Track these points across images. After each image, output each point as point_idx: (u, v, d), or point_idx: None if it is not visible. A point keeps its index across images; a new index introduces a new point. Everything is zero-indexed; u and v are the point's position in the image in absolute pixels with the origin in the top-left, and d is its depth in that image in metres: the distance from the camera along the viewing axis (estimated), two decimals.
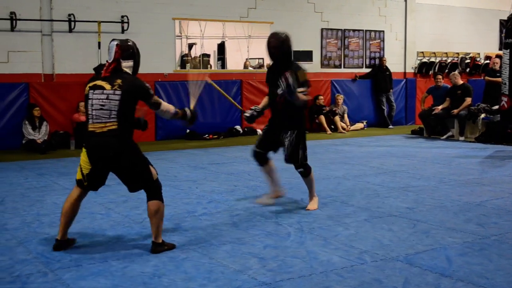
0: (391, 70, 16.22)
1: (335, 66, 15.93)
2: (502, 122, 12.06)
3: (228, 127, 13.78)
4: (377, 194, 7.11)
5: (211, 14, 13.76)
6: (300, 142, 6.19)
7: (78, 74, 12.04)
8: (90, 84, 4.84)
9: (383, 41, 16.68)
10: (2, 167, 9.27)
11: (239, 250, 4.87)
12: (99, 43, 12.19)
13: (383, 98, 16.04)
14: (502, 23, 18.84)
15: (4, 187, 7.67)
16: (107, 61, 4.87)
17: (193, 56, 14.05)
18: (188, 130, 13.14)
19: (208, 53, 14.17)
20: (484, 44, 18.49)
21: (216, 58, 14.34)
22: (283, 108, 6.11)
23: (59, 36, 12.09)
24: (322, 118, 14.59)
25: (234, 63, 14.33)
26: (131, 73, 4.89)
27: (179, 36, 13.59)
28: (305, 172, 6.28)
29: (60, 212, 5.02)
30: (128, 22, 12.64)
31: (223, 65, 14.31)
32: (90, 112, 4.76)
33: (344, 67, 16.10)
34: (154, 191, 4.86)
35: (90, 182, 4.88)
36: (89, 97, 4.78)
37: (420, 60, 17.26)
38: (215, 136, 13.29)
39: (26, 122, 11.34)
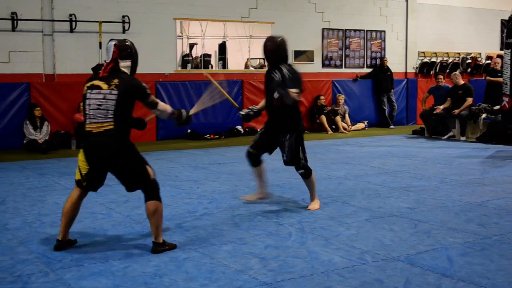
0: (392, 70, 16.22)
1: (336, 66, 15.93)
2: (503, 122, 12.05)
3: (229, 127, 13.78)
4: (378, 194, 7.10)
5: (212, 14, 13.76)
6: (300, 144, 6.22)
7: (79, 74, 12.04)
8: (88, 84, 4.86)
9: (384, 41, 16.68)
10: (3, 167, 9.28)
11: (240, 250, 4.87)
12: (100, 43, 12.20)
13: (384, 98, 16.04)
14: (503, 23, 18.83)
15: (5, 187, 7.67)
16: (105, 61, 4.88)
17: (194, 56, 14.05)
18: (189, 130, 13.14)
19: (209, 53, 14.17)
20: (485, 44, 18.48)
21: (217, 58, 14.34)
22: (280, 111, 6.14)
23: (60, 36, 12.10)
24: (323, 118, 14.59)
25: (235, 63, 14.34)
26: (129, 73, 4.89)
27: (180, 36, 13.60)
28: (306, 173, 6.29)
29: (61, 212, 5.03)
30: (129, 22, 12.64)
31: (224, 65, 14.31)
32: (87, 112, 4.78)
33: (345, 67, 16.09)
34: (151, 191, 4.86)
35: (89, 182, 4.89)
36: (87, 97, 4.80)
37: (421, 60, 17.25)
38: (216, 136, 13.29)
39: (27, 122, 11.35)
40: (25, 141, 11.29)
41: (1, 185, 7.77)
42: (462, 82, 13.36)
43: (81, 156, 4.83)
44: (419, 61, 17.23)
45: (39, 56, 11.93)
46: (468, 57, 17.87)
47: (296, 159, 6.20)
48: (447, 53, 17.66)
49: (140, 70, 13.42)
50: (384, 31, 16.65)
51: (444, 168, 9.01)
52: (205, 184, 7.79)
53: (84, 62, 12.12)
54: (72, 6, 12.11)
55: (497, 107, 12.62)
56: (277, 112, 6.16)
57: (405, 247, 4.91)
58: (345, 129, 14.72)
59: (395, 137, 13.68)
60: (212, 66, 14.14)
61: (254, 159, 6.45)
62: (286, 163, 6.28)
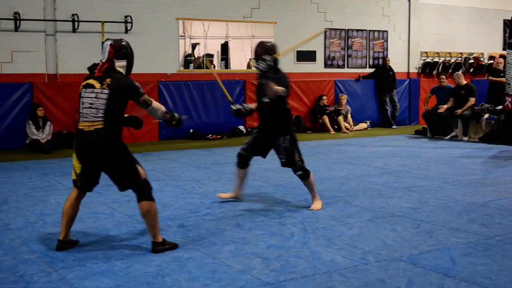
0: (395, 70, 16.20)
1: (339, 66, 15.92)
2: (504, 122, 12.04)
3: (231, 127, 13.78)
4: (380, 194, 7.10)
5: (215, 14, 13.76)
6: (294, 145, 6.28)
7: (82, 74, 11.99)
8: (84, 83, 4.90)
9: (387, 41, 16.66)
10: (6, 167, 9.29)
11: (243, 250, 4.87)
12: (102, 43, 12.17)
13: (386, 98, 16.02)
14: (506, 23, 18.81)
15: (7, 187, 7.68)
16: (101, 60, 4.90)
17: (196, 56, 14.05)
18: (191, 130, 13.15)
19: (211, 53, 14.17)
20: (487, 44, 18.45)
21: (220, 58, 14.33)
22: (271, 114, 6.21)
23: (62, 36, 12.11)
24: (326, 118, 14.59)
25: (238, 63, 14.33)
26: (124, 73, 4.90)
27: (182, 36, 13.59)
28: (304, 174, 6.31)
29: None
30: (131, 22, 12.65)
31: (227, 65, 14.31)
32: (81, 111, 4.82)
33: (347, 67, 16.08)
34: (142, 191, 4.86)
35: (83, 181, 4.91)
36: (81, 96, 4.85)
37: (424, 60, 17.23)
38: (219, 136, 13.29)
39: (30, 122, 11.36)
40: (27, 141, 11.30)
41: (3, 185, 7.78)
42: (464, 82, 13.35)
43: (75, 155, 4.87)
44: (422, 61, 17.21)
45: (42, 56, 11.94)
46: (470, 57, 17.84)
47: (291, 160, 6.26)
48: (450, 53, 17.64)
49: (142, 70, 13.45)
50: (387, 31, 16.64)
51: (447, 168, 9.00)
52: (208, 184, 7.79)
53: (87, 62, 12.09)
54: (75, 6, 12.12)
55: (500, 107, 12.60)
56: (268, 115, 6.25)
57: (408, 247, 4.90)
58: (347, 129, 14.71)
59: (397, 137, 13.67)
60: (214, 66, 14.13)
61: (244, 162, 6.55)
62: (284, 164, 6.33)
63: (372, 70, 16.32)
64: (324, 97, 14.97)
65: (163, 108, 5.11)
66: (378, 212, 6.16)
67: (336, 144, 12.35)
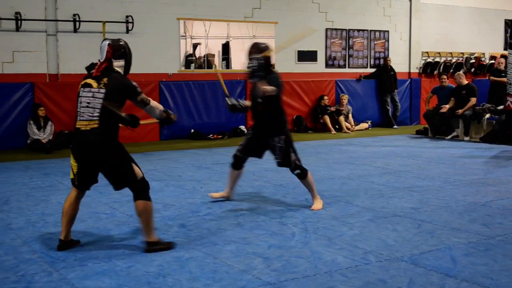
0: (396, 70, 16.19)
1: (340, 66, 15.92)
2: (505, 122, 12.03)
3: (232, 127, 13.78)
4: (381, 194, 7.10)
5: (216, 14, 13.77)
6: (290, 145, 6.28)
7: (83, 74, 11.80)
8: (82, 82, 4.93)
9: (388, 41, 16.66)
10: (7, 167, 9.30)
11: (244, 250, 4.87)
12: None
13: (387, 98, 16.02)
14: (507, 23, 18.82)
15: (9, 186, 7.69)
16: (99, 60, 4.91)
17: (197, 56, 14.05)
18: (192, 130, 13.16)
19: (212, 53, 14.17)
20: (489, 44, 18.45)
21: (221, 58, 14.34)
22: (264, 115, 6.23)
23: (64, 36, 12.12)
24: (327, 118, 14.59)
25: (239, 63, 14.31)
26: (122, 73, 4.91)
27: (183, 36, 13.59)
28: (302, 174, 6.31)
29: None
30: (132, 22, 12.65)
31: (228, 65, 14.31)
32: (78, 110, 4.85)
33: (348, 67, 16.08)
34: (138, 190, 4.85)
35: (80, 180, 4.93)
36: (79, 95, 4.87)
37: (425, 60, 17.23)
38: (220, 136, 13.29)
39: (31, 122, 11.36)
40: (28, 141, 11.31)
41: (5, 185, 7.79)
42: (465, 82, 13.34)
43: (71, 154, 4.90)
44: (423, 61, 17.21)
45: (43, 56, 11.95)
46: (471, 57, 17.84)
47: (287, 160, 6.26)
48: (451, 53, 17.63)
49: (143, 70, 13.46)
50: (388, 31, 16.63)
51: (448, 168, 9.00)
52: (209, 184, 7.79)
53: (88, 62, 12.00)
54: (76, 6, 12.13)
55: (501, 107, 12.60)
56: (262, 116, 6.26)
57: (409, 247, 4.90)
58: (348, 129, 14.71)
59: (398, 137, 13.67)
60: (215, 66, 14.13)
61: (239, 163, 6.56)
62: (280, 164, 6.34)
63: (373, 70, 16.32)
64: (325, 97, 14.97)
65: (161, 107, 5.11)
66: (379, 212, 6.16)
67: (337, 144, 12.34)
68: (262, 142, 6.36)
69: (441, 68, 17.11)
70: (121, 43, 4.97)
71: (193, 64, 13.83)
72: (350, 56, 16.06)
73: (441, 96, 13.74)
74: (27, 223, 5.81)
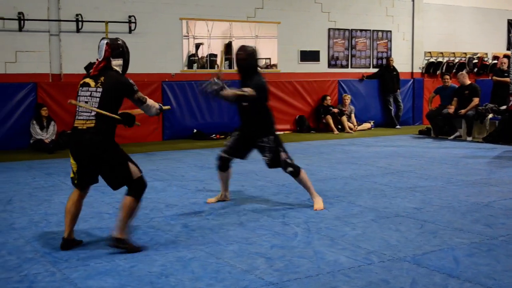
0: (399, 70, 16.18)
1: (342, 66, 15.91)
2: (509, 122, 12.01)
3: (235, 127, 13.76)
4: (384, 194, 7.09)
5: (218, 14, 13.77)
6: (279, 144, 6.30)
7: (85, 74, 12.06)
8: (81, 82, 4.96)
9: (390, 41, 16.65)
10: (10, 167, 9.31)
11: (246, 250, 4.88)
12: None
13: (390, 98, 16.01)
14: (510, 23, 18.80)
15: (12, 186, 7.70)
16: (97, 59, 4.93)
17: (200, 56, 14.06)
18: (195, 130, 13.16)
19: (215, 53, 14.18)
20: (491, 44, 18.42)
21: (224, 58, 14.34)
22: (251, 116, 6.26)
23: (66, 36, 12.13)
24: (329, 118, 14.58)
25: None
26: (120, 72, 4.92)
27: (186, 36, 13.60)
28: (295, 171, 6.29)
29: None
30: (135, 22, 12.66)
31: (230, 65, 14.30)
32: (77, 109, 4.88)
33: (351, 67, 16.07)
34: (133, 188, 4.85)
35: (79, 179, 4.95)
36: (78, 94, 4.91)
37: (428, 60, 17.21)
38: (222, 136, 13.28)
39: (34, 122, 11.38)
40: (31, 141, 11.33)
41: (7, 185, 7.80)
42: (468, 82, 13.33)
43: (70, 153, 4.95)
44: (426, 61, 17.19)
45: (46, 56, 11.97)
46: (474, 57, 17.82)
47: (277, 160, 6.26)
48: (454, 53, 17.61)
49: (146, 70, 13.46)
50: (390, 31, 16.62)
51: (451, 168, 8.99)
52: (211, 184, 7.79)
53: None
54: (79, 6, 12.15)
55: (504, 107, 12.59)
56: (249, 116, 6.29)
57: (411, 248, 4.90)
58: (351, 129, 14.71)
59: (401, 137, 13.66)
60: (218, 66, 14.12)
61: (225, 164, 6.55)
62: (270, 165, 6.35)
63: (375, 70, 16.31)
64: (328, 97, 14.97)
65: (156, 105, 5.12)
66: (381, 212, 6.16)
67: (339, 144, 12.34)
68: (249, 143, 6.39)
69: (444, 68, 17.10)
70: (119, 42, 4.99)
71: (195, 64, 13.83)
72: (352, 56, 16.05)
73: (443, 96, 13.73)
74: (30, 223, 5.82)
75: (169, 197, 7.01)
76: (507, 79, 12.82)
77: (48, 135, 11.37)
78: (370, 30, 16.25)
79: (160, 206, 6.52)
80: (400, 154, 10.56)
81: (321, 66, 15.47)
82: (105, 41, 4.93)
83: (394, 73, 16.04)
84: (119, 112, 4.96)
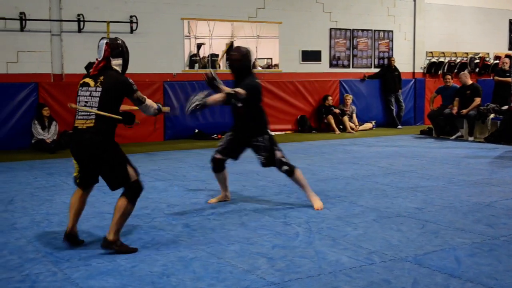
0: (400, 70, 16.17)
1: (344, 66, 15.91)
2: (507, 122, 12.01)
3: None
4: (385, 194, 7.09)
5: (220, 14, 13.77)
6: (274, 143, 6.31)
7: (85, 73, 12.07)
8: (80, 82, 4.97)
9: (392, 41, 16.64)
10: (12, 167, 9.32)
11: (248, 250, 4.88)
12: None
13: (391, 98, 16.00)
14: None
15: (13, 186, 7.70)
16: (96, 59, 4.94)
17: (201, 56, 14.06)
18: (196, 130, 13.16)
19: (216, 53, 14.19)
20: (493, 44, 18.41)
21: (225, 58, 14.35)
22: (245, 116, 6.26)
23: (68, 36, 12.14)
24: (331, 118, 14.58)
25: None
26: (120, 71, 4.93)
27: (187, 36, 13.61)
28: (290, 170, 6.30)
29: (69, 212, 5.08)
30: (137, 22, 12.66)
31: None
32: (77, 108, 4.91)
33: (352, 67, 16.07)
34: (128, 190, 4.84)
35: (81, 178, 5.00)
36: (78, 94, 4.93)
37: (429, 60, 17.20)
38: (224, 136, 13.28)
39: (36, 122, 11.39)
40: (33, 141, 11.33)
41: (9, 185, 7.81)
42: (470, 82, 13.32)
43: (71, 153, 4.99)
44: (427, 61, 17.18)
45: (47, 56, 11.97)
46: (476, 57, 17.80)
47: (272, 159, 6.27)
48: (455, 53, 17.60)
49: (147, 70, 13.45)
50: (392, 31, 16.62)
51: (452, 168, 8.98)
52: (213, 184, 7.78)
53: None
54: (80, 6, 12.15)
55: (506, 107, 12.57)
56: (243, 117, 6.29)
57: (413, 248, 4.90)
58: (352, 129, 14.70)
59: (402, 137, 13.65)
60: (219, 66, 14.14)
61: (219, 165, 6.57)
62: (264, 164, 6.35)
63: (377, 70, 16.30)
64: (330, 97, 14.96)
65: (155, 105, 5.12)
66: (383, 212, 6.15)
67: (341, 144, 12.34)
68: (243, 143, 6.40)
69: (446, 68, 17.08)
70: (118, 41, 5.00)
71: (197, 64, 13.84)
72: (354, 56, 16.04)
73: (445, 96, 13.72)
74: (32, 222, 5.82)
75: (171, 197, 7.01)
76: (509, 79, 12.82)
77: (49, 135, 11.38)
78: (371, 30, 16.24)
79: (162, 206, 6.53)
80: (401, 154, 10.55)
81: (322, 66, 15.46)
82: (104, 41, 4.94)
83: (396, 73, 16.04)
84: (120, 111, 4.97)
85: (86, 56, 12.14)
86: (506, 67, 13.66)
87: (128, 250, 4.78)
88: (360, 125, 15.13)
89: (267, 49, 14.81)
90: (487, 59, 18.04)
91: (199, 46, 14.01)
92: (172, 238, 5.22)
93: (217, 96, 5.97)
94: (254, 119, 6.29)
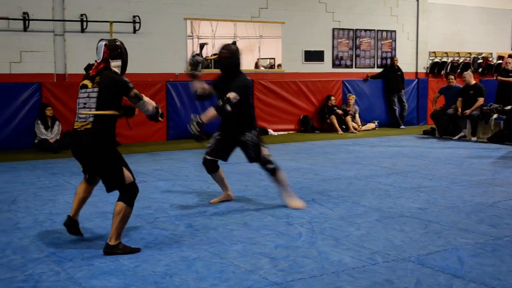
0: (403, 70, 16.16)
1: (347, 66, 15.90)
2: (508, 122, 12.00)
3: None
4: (388, 194, 7.08)
5: (223, 14, 13.78)
6: (261, 140, 6.37)
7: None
8: (80, 84, 5.03)
9: (395, 41, 16.63)
10: (15, 167, 9.33)
11: (250, 250, 4.88)
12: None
13: (394, 98, 15.99)
14: None
15: (16, 186, 7.71)
16: (95, 60, 4.95)
17: (204, 56, 14.05)
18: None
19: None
20: (496, 43, 18.39)
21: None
22: (235, 114, 6.23)
23: (71, 36, 12.15)
24: (334, 118, 14.57)
25: (246, 63, 14.28)
26: (119, 72, 4.94)
27: (190, 36, 13.61)
28: (274, 169, 6.32)
29: None
30: (139, 22, 12.67)
31: None
32: (77, 110, 4.96)
33: (355, 67, 16.06)
34: (124, 193, 4.85)
35: (86, 175, 5.10)
36: (78, 96, 4.99)
37: (432, 60, 17.18)
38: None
39: (39, 121, 11.40)
40: (36, 141, 11.35)
41: (12, 185, 7.82)
42: (473, 82, 13.30)
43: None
44: (430, 61, 17.17)
45: (51, 56, 11.99)
46: (479, 57, 17.78)
47: (258, 154, 6.30)
48: (458, 53, 17.58)
49: (150, 70, 13.44)
50: (395, 31, 16.60)
51: (455, 168, 8.97)
52: (215, 184, 7.77)
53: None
54: (83, 6, 12.17)
55: (509, 107, 12.56)
56: (232, 115, 6.27)
57: (416, 248, 4.89)
58: (355, 129, 14.70)
59: (405, 137, 13.64)
60: (210, 62, 14.09)
61: (212, 166, 6.59)
62: (252, 159, 6.38)
63: (380, 70, 16.29)
64: (332, 97, 14.95)
65: (153, 103, 5.09)
66: (386, 212, 6.15)
67: (344, 144, 12.33)
68: (232, 141, 6.42)
69: (448, 68, 17.07)
70: (117, 43, 5.01)
71: (200, 64, 13.82)
72: (357, 56, 16.03)
73: (448, 96, 13.70)
74: (35, 222, 5.83)
75: (173, 197, 7.02)
76: None
77: (52, 135, 11.39)
78: (374, 30, 16.23)
79: (165, 206, 6.53)
80: (404, 154, 10.55)
81: (325, 66, 15.45)
82: (103, 43, 4.95)
83: (399, 73, 16.03)
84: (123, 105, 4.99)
85: (89, 56, 12.15)
86: (509, 67, 13.64)
87: (131, 251, 4.78)
88: (363, 125, 15.12)
89: (270, 49, 14.80)
90: (490, 59, 18.02)
91: (202, 46, 14.00)
92: (175, 238, 5.22)
93: (210, 114, 6.10)
94: (242, 115, 6.31)
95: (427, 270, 4.34)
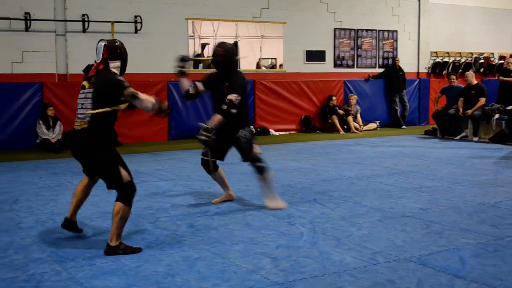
0: (404, 70, 16.16)
1: (348, 66, 15.90)
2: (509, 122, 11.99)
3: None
4: (390, 194, 7.08)
5: (224, 14, 13.78)
6: (254, 138, 6.40)
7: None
8: (81, 84, 5.13)
9: (396, 41, 16.63)
10: (17, 167, 9.34)
11: (252, 250, 4.88)
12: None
13: (396, 98, 15.99)
14: None
15: (18, 186, 7.72)
16: (95, 61, 4.96)
17: (206, 56, 14.06)
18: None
19: None
20: (498, 43, 18.37)
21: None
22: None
23: (73, 36, 12.16)
24: (335, 118, 14.57)
25: (247, 63, 14.34)
26: (118, 73, 4.93)
27: (192, 36, 13.62)
28: (263, 168, 6.32)
29: None
30: (141, 22, 12.68)
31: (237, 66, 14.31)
32: (77, 111, 5.06)
33: (357, 67, 16.06)
34: (121, 193, 4.85)
35: (84, 171, 5.20)
36: (78, 97, 5.10)
37: (434, 60, 17.18)
38: None
39: (40, 121, 11.41)
40: (38, 141, 11.36)
41: (14, 184, 7.83)
42: (475, 82, 13.29)
43: None
44: (432, 61, 17.16)
45: (52, 56, 12.00)
46: (481, 57, 17.78)
47: (250, 152, 6.32)
48: (460, 53, 17.57)
49: (152, 70, 13.45)
50: (396, 31, 16.60)
51: (457, 168, 8.97)
52: (217, 184, 7.78)
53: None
54: (85, 6, 12.18)
55: (510, 107, 12.54)
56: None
57: (417, 248, 4.89)
58: (357, 129, 14.69)
59: (407, 137, 13.64)
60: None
61: (212, 166, 6.56)
62: (246, 158, 6.38)
63: (381, 70, 16.29)
64: (334, 98, 14.95)
65: (152, 99, 4.89)
66: (387, 213, 6.15)
67: (345, 144, 12.33)
68: (227, 140, 6.40)
69: (450, 68, 17.06)
70: (116, 44, 4.99)
71: (201, 64, 13.84)
72: (358, 56, 16.03)
73: (450, 96, 13.70)
74: (37, 222, 5.84)
75: (175, 197, 7.02)
76: None
77: (54, 135, 11.40)
78: (376, 30, 16.23)
79: (166, 206, 6.53)
80: (406, 154, 10.54)
81: (327, 66, 15.46)
82: (103, 43, 4.94)
83: (400, 73, 16.02)
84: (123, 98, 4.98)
85: (90, 56, 12.09)
86: (511, 67, 13.62)
87: (133, 251, 4.78)
88: (364, 125, 15.11)
89: (271, 49, 14.80)
90: (492, 59, 18.01)
91: (203, 46, 14.01)
92: (176, 238, 5.22)
93: (217, 120, 6.09)
94: (238, 114, 6.26)
95: (428, 270, 4.34)
